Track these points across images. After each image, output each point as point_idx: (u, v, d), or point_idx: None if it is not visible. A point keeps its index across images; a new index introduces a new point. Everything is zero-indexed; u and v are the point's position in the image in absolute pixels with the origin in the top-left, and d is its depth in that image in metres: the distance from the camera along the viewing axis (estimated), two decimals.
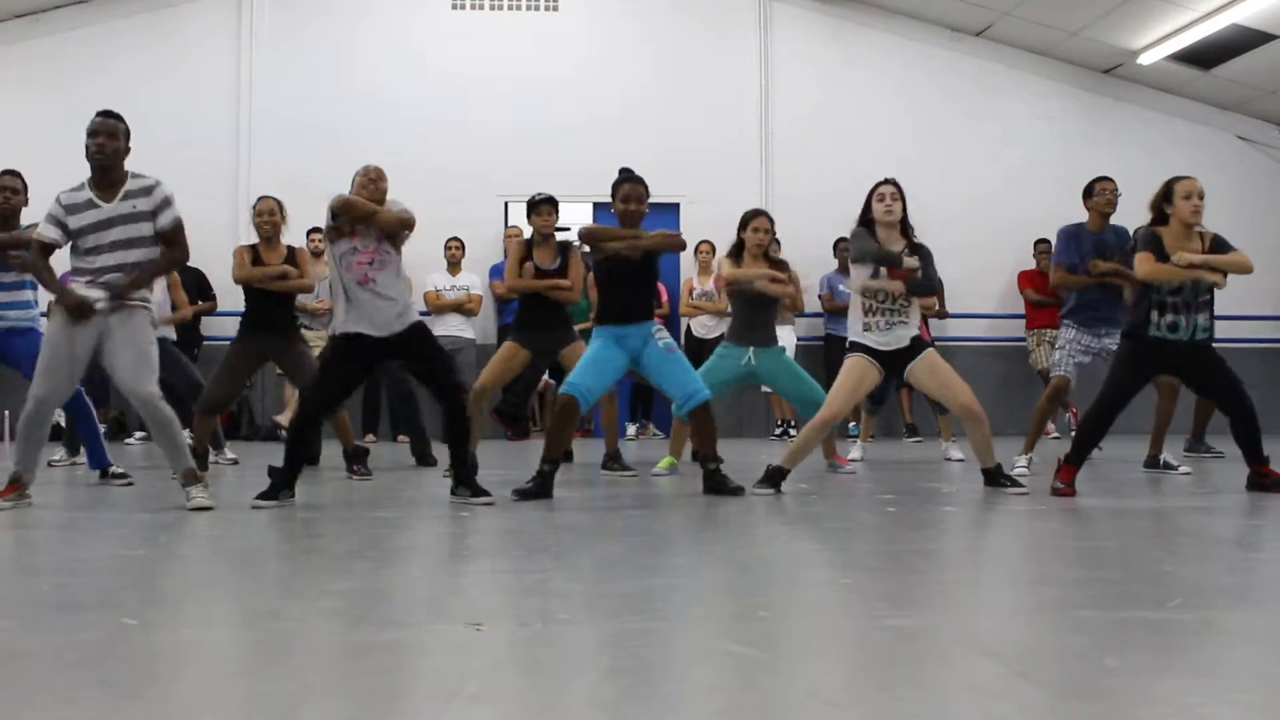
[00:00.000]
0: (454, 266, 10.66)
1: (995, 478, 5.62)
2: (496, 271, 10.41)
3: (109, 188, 4.88)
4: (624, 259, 5.56)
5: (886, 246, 5.55)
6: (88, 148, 4.84)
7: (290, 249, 6.79)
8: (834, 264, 10.86)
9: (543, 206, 6.87)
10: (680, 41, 11.86)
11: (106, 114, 4.96)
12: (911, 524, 4.44)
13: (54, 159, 11.15)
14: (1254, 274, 5.67)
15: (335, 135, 11.16)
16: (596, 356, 5.56)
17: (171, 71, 11.29)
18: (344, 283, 5.17)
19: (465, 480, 5.15)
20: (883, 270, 5.56)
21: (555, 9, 11.78)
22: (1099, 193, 6.84)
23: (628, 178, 5.72)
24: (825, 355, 10.86)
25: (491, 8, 11.74)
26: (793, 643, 2.47)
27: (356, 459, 6.64)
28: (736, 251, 6.56)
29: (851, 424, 10.98)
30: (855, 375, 5.56)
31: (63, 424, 10.15)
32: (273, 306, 6.67)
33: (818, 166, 11.61)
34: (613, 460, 6.88)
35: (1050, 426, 10.82)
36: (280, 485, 5.01)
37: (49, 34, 11.38)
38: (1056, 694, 2.01)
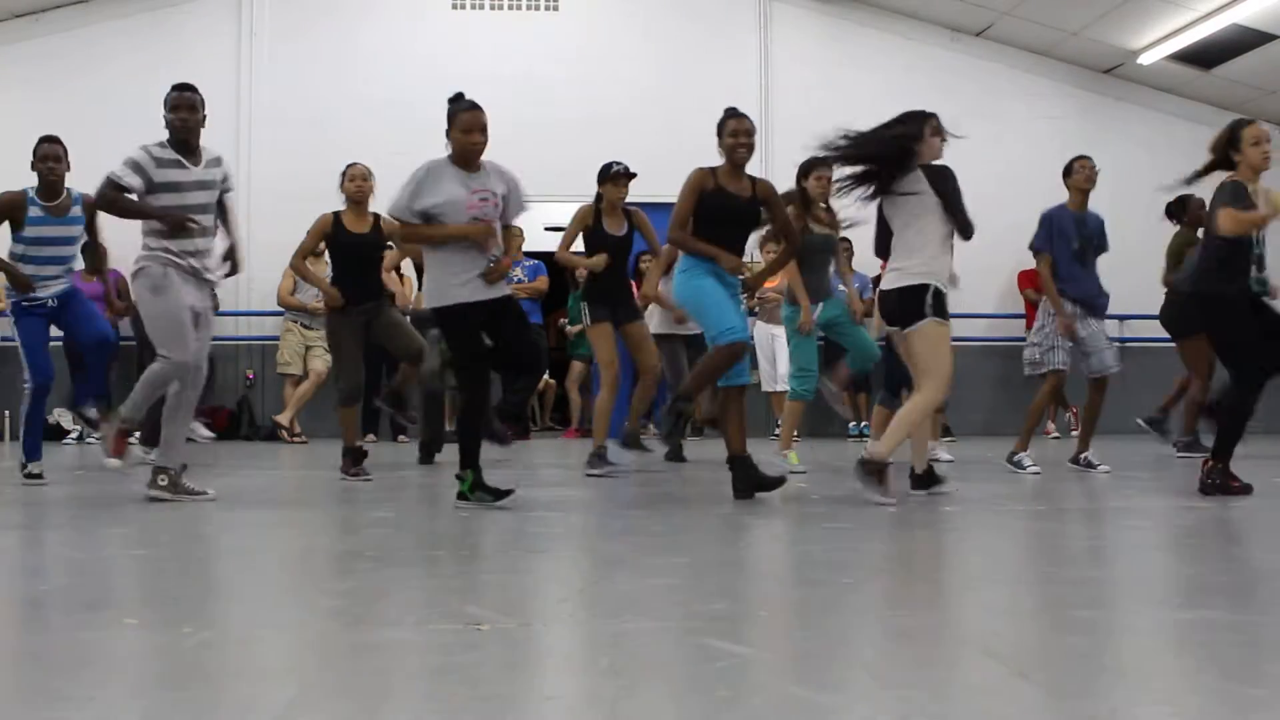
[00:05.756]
0: None
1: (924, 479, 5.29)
2: None
3: (190, 154, 5.14)
4: (727, 197, 5.28)
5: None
6: (170, 121, 5.11)
7: (376, 216, 6.59)
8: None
9: (621, 179, 6.80)
10: (680, 41, 11.85)
11: (183, 87, 5.21)
12: (911, 524, 4.44)
13: None
14: None
15: (335, 135, 11.14)
16: (719, 298, 5.16)
17: (171, 71, 11.14)
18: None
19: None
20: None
21: (555, 9, 11.78)
22: (1077, 170, 6.84)
23: (735, 113, 5.41)
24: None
25: (491, 8, 11.74)
26: (792, 643, 2.47)
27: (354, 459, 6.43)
28: (800, 199, 6.56)
29: (864, 423, 11.00)
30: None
31: (61, 423, 10.17)
32: (358, 275, 6.55)
33: None
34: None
35: (1050, 426, 10.83)
36: (480, 486, 4.80)
37: (49, 34, 11.38)
38: (1056, 694, 2.01)
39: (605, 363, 6.70)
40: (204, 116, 5.22)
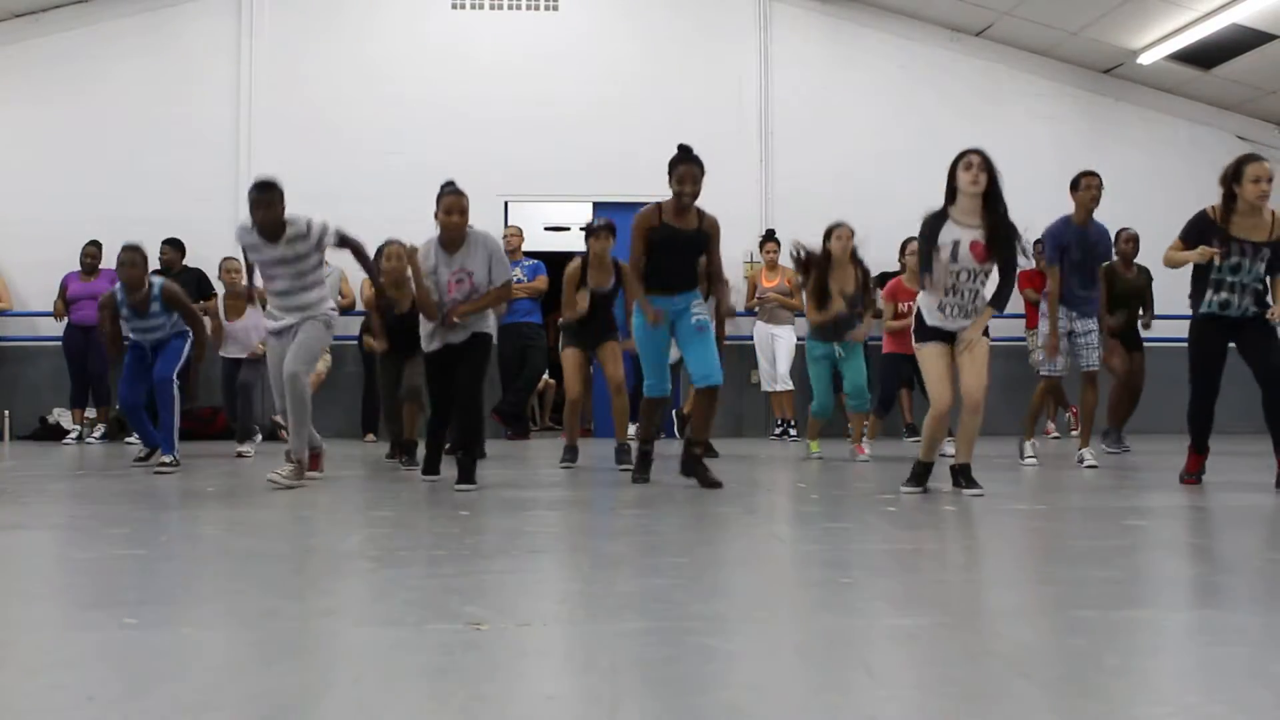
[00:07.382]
0: None
1: (960, 476, 5.51)
2: None
3: (273, 235, 5.83)
4: (673, 230, 5.80)
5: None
6: (253, 218, 5.81)
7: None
8: None
9: (601, 231, 7.21)
10: (680, 41, 11.85)
11: (260, 187, 5.77)
12: (911, 524, 4.44)
13: (53, 159, 11.19)
14: None
15: (335, 135, 11.16)
16: (648, 348, 5.94)
17: (171, 71, 11.28)
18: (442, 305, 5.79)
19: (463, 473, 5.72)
20: (962, 251, 5.63)
21: (555, 9, 11.78)
22: (1084, 188, 7.02)
23: (684, 158, 5.78)
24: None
25: (491, 8, 11.73)
26: (792, 643, 2.47)
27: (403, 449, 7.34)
28: (825, 259, 7.52)
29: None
30: (941, 363, 5.59)
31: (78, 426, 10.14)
32: (401, 340, 7.17)
33: (817, 166, 11.61)
34: (623, 453, 6.97)
35: (1050, 426, 10.84)
36: (432, 463, 6.16)
37: (49, 34, 11.38)
38: (1056, 694, 2.01)
39: (568, 380, 7.49)
40: (283, 208, 5.79)
